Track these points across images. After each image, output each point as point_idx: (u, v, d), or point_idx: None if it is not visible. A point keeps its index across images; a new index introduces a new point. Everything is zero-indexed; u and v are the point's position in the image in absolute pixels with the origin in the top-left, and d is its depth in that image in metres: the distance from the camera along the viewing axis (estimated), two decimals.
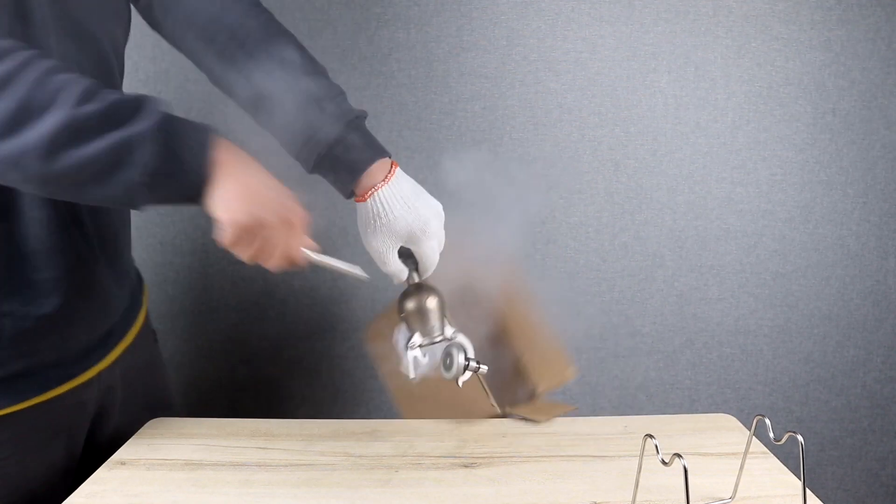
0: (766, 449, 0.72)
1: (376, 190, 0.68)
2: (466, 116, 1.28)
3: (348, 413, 1.38)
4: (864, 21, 1.27)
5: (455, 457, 0.72)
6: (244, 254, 0.58)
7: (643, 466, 0.57)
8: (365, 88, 1.27)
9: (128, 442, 0.75)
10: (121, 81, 0.76)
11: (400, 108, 1.28)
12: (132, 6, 0.75)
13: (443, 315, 0.72)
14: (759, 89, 1.30)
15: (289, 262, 0.61)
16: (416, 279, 0.73)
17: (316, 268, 0.65)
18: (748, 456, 0.61)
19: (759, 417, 0.59)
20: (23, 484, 0.68)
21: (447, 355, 0.72)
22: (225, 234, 0.57)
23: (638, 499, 0.59)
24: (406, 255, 0.73)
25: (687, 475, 0.49)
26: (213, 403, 1.38)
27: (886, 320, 1.39)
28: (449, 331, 0.73)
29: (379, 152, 0.69)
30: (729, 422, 0.80)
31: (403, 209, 0.68)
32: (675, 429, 0.78)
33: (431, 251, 0.71)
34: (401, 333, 0.74)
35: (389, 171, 0.69)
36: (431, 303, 0.71)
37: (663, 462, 0.50)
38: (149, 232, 1.29)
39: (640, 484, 0.58)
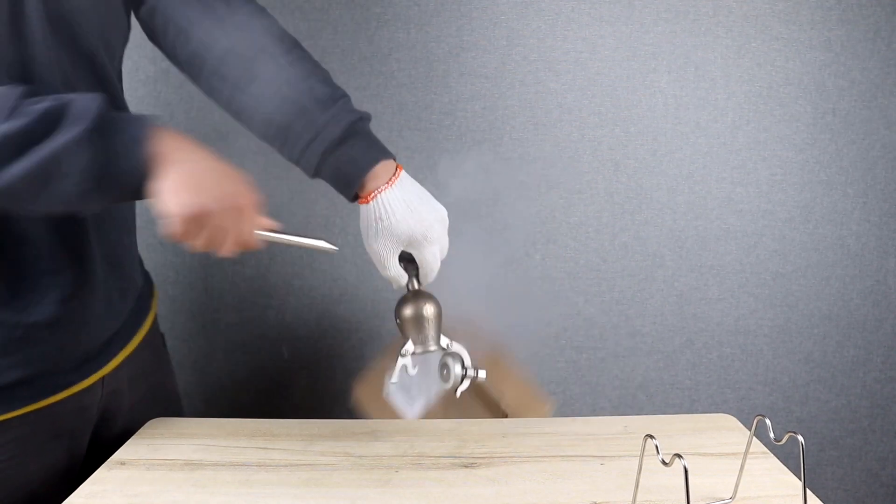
0: (766, 449, 0.71)
1: (380, 192, 0.67)
2: (466, 116, 1.29)
3: (348, 413, 1.37)
4: (864, 21, 1.27)
5: (455, 457, 0.72)
6: (194, 244, 0.57)
7: (643, 466, 0.57)
8: (365, 88, 1.27)
9: (128, 442, 0.75)
10: (120, 87, 0.75)
11: (400, 108, 1.28)
12: (133, 15, 0.74)
13: (439, 325, 0.71)
14: (759, 89, 1.30)
15: (242, 246, 0.60)
16: (416, 285, 0.72)
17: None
18: (748, 456, 0.61)
19: (759, 417, 0.58)
20: (23, 485, 0.68)
21: (443, 366, 0.70)
22: (171, 227, 0.56)
23: (638, 499, 0.59)
24: (407, 261, 0.71)
25: (687, 475, 0.49)
26: (213, 403, 1.38)
27: (886, 320, 1.39)
28: (444, 341, 0.71)
29: (383, 154, 0.69)
30: (729, 422, 0.80)
31: (406, 213, 0.67)
32: (675, 429, 0.78)
33: (433, 257, 0.70)
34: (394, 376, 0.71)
35: (394, 174, 0.68)
36: (429, 311, 0.69)
37: (663, 462, 0.50)
38: (149, 232, 1.29)
39: (640, 484, 0.58)
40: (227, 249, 0.59)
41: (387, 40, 1.25)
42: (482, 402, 0.81)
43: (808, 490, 0.57)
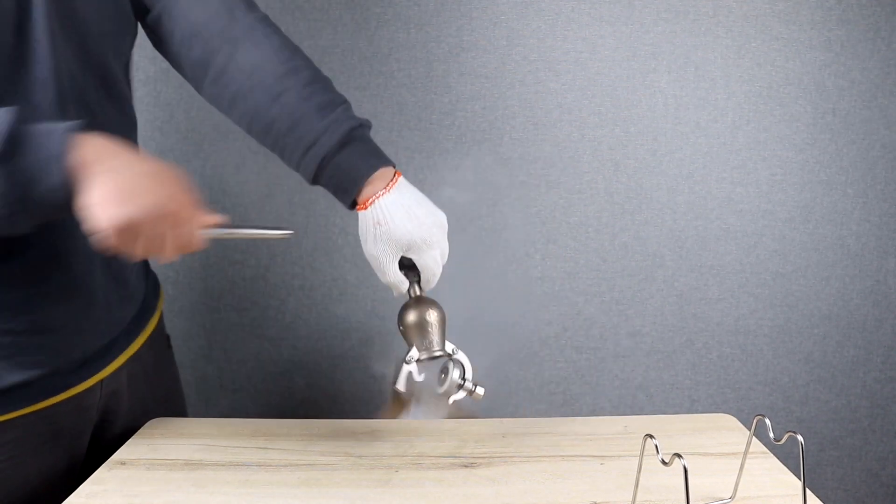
0: (766, 449, 0.71)
1: (378, 197, 0.67)
2: (466, 116, 1.29)
3: (348, 413, 1.38)
4: (864, 21, 1.27)
5: (455, 457, 0.72)
6: (132, 253, 0.55)
7: (643, 466, 0.57)
8: (365, 88, 1.27)
9: (128, 442, 0.75)
10: (127, 83, 0.75)
11: (400, 108, 1.28)
12: (140, 23, 0.75)
13: (443, 330, 0.70)
14: (759, 89, 1.30)
15: (185, 249, 0.57)
16: (418, 292, 0.71)
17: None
18: (748, 456, 0.61)
19: (759, 417, 0.59)
20: (23, 486, 0.68)
21: (443, 370, 0.70)
22: (104, 241, 0.53)
23: (638, 499, 0.59)
24: (408, 268, 0.71)
25: (687, 475, 0.49)
26: (213, 403, 1.38)
27: (886, 320, 1.39)
28: (449, 346, 0.71)
29: (383, 161, 0.69)
30: (729, 422, 0.80)
31: (405, 217, 0.67)
32: (675, 429, 0.78)
33: (434, 261, 0.70)
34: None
35: (392, 180, 0.68)
36: (432, 316, 0.69)
37: (663, 462, 0.50)
38: None
39: (640, 484, 0.58)
40: (168, 255, 0.56)
41: (387, 40, 1.25)
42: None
43: (807, 490, 0.57)
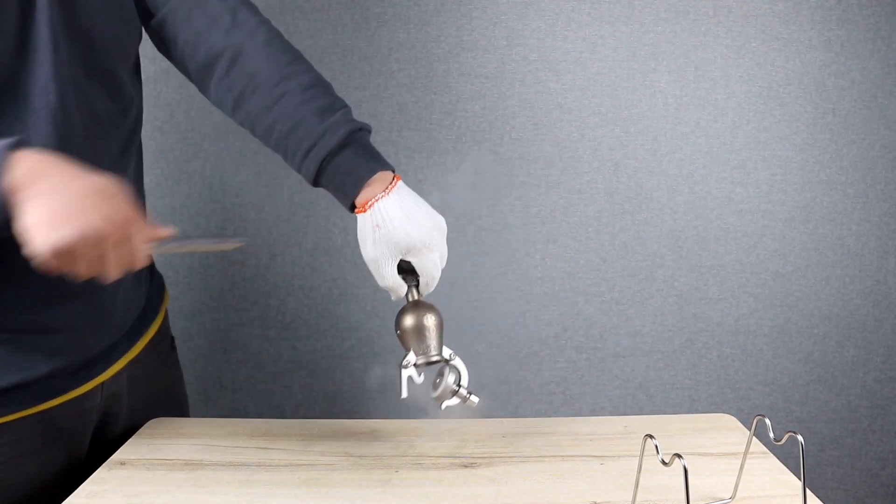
0: (766, 449, 0.71)
1: (377, 200, 0.67)
2: (466, 116, 1.29)
3: (348, 413, 1.38)
4: (864, 21, 1.28)
5: (455, 457, 0.72)
6: (75, 274, 0.53)
7: (643, 466, 0.57)
8: (365, 88, 1.27)
9: (128, 442, 0.75)
10: (137, 94, 0.75)
11: (400, 108, 1.28)
12: (143, 27, 0.75)
13: (441, 335, 0.70)
14: (759, 89, 1.30)
15: (129, 266, 0.55)
16: (416, 296, 0.71)
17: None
18: (748, 456, 0.61)
19: (759, 417, 0.59)
20: (22, 487, 0.68)
21: (439, 375, 0.70)
22: (45, 265, 0.51)
23: (638, 499, 0.59)
24: (406, 272, 0.71)
25: (687, 475, 0.49)
26: (213, 403, 1.38)
27: (886, 320, 1.39)
28: (446, 352, 0.70)
29: (382, 165, 0.69)
30: (729, 422, 0.80)
31: (404, 219, 0.67)
32: (675, 429, 0.78)
33: (433, 265, 0.70)
34: None
35: (391, 183, 0.68)
36: (430, 321, 0.68)
37: (663, 462, 0.50)
38: None
39: (640, 484, 0.58)
40: (112, 273, 0.54)
41: (387, 40, 1.25)
42: None
43: (807, 490, 0.57)
